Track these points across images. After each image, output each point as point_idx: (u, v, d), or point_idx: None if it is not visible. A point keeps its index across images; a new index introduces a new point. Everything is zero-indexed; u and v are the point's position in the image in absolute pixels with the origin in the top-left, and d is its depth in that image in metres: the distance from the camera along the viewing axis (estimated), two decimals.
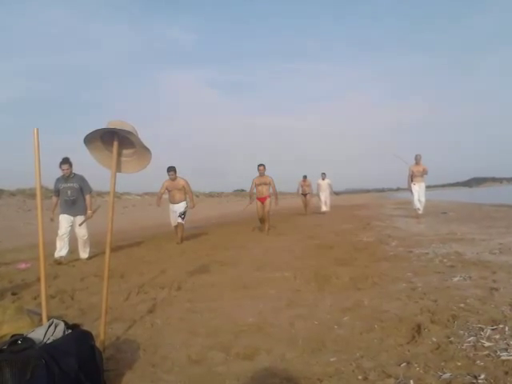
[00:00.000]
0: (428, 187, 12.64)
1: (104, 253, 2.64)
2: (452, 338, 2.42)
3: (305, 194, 17.23)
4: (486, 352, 2.21)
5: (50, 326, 1.97)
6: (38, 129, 2.23)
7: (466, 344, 2.33)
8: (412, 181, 11.91)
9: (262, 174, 9.85)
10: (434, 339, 2.43)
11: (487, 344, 2.30)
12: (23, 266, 6.16)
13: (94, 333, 2.14)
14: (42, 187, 2.37)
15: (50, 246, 6.17)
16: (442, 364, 2.12)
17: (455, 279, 3.86)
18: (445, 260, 4.88)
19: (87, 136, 2.51)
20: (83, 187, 6.79)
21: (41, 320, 2.40)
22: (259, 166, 9.79)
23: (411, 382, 1.98)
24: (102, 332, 2.53)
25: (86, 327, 2.51)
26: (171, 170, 8.54)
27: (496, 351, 2.20)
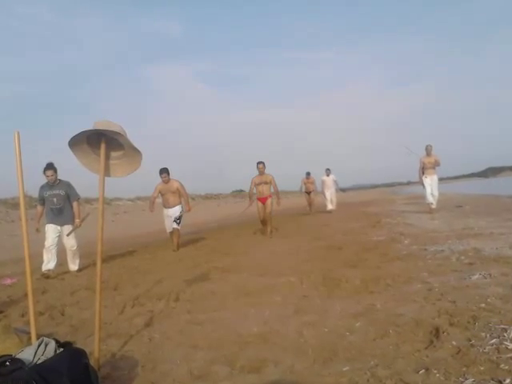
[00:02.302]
0: (441, 180, 12.63)
1: (95, 264, 2.64)
2: (473, 341, 2.42)
3: (309, 192, 17.25)
4: (511, 354, 2.21)
5: (39, 345, 1.97)
6: (18, 131, 2.22)
7: (488, 347, 2.33)
8: (423, 174, 11.91)
9: (261, 173, 9.85)
10: (454, 343, 2.43)
11: (511, 346, 2.30)
12: (8, 281, 6.16)
13: (87, 350, 2.13)
14: (25, 196, 2.37)
15: (37, 259, 6.17)
16: (464, 369, 2.12)
17: (474, 277, 3.86)
18: (462, 257, 4.88)
19: (72, 139, 2.51)
20: (70, 194, 6.79)
21: (30, 339, 2.40)
22: (258, 163, 9.80)
23: None
24: (96, 349, 2.53)
25: (78, 345, 2.51)
26: (164, 171, 8.54)
27: None
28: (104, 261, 3.53)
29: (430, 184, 11.83)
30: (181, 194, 8.70)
